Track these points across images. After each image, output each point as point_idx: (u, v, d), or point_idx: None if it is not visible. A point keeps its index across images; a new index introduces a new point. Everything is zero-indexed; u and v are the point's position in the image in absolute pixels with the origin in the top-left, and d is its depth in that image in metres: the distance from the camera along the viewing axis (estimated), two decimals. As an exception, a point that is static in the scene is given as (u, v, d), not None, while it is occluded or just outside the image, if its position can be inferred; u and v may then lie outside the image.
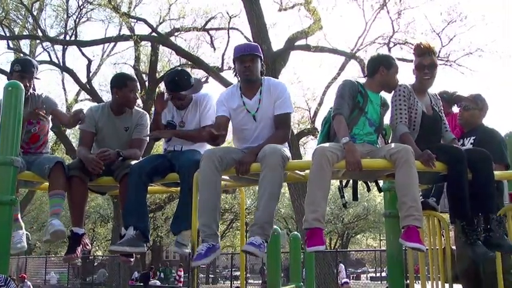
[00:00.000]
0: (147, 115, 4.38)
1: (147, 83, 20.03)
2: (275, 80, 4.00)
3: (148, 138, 4.32)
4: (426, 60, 3.77)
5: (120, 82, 4.25)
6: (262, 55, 3.91)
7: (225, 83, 13.64)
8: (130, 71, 21.36)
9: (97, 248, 36.57)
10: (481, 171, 3.47)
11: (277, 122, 3.80)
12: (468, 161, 3.44)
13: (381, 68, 3.75)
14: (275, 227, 5.37)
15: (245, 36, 15.73)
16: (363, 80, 3.85)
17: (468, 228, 3.43)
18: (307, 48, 15.19)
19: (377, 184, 3.84)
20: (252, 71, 3.79)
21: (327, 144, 3.38)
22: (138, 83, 4.43)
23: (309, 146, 20.27)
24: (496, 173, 3.59)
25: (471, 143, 4.32)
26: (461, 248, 3.57)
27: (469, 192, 3.42)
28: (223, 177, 3.64)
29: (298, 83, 16.53)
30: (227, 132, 3.93)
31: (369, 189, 4.03)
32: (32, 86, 4.25)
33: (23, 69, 4.15)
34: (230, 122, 3.92)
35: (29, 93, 4.13)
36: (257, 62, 3.83)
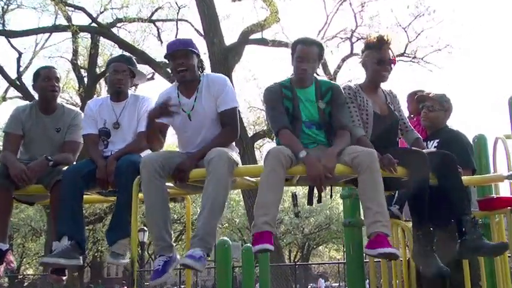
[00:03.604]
0: (82, 115, 4.31)
1: (86, 79, 19.68)
2: (214, 75, 3.98)
3: (82, 140, 4.25)
4: (387, 54, 3.78)
5: (34, 75, 4.24)
6: (198, 50, 3.88)
7: (173, 81, 13.54)
8: (68, 66, 20.96)
9: (27, 265, 35.55)
10: (447, 175, 3.51)
11: (223, 120, 3.78)
12: (432, 164, 3.46)
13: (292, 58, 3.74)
14: (225, 238, 5.35)
15: (195, 29, 15.71)
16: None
17: (424, 238, 3.45)
18: (263, 42, 15.28)
19: (331, 190, 3.82)
20: (186, 68, 3.75)
21: (282, 147, 3.37)
22: (57, 71, 4.34)
23: (266, 149, 20.39)
24: (462, 178, 3.64)
25: (435, 146, 4.38)
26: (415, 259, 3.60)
27: (435, 198, 3.45)
28: (167, 184, 3.60)
29: (254, 81, 16.58)
30: (165, 139, 3.89)
31: (331, 196, 4.07)
32: None
33: None
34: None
35: None
36: (192, 58, 3.79)
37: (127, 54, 4.41)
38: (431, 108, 4.53)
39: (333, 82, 3.87)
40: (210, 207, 3.31)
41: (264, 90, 3.77)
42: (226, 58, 13.22)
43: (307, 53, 3.62)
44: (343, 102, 3.70)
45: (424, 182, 3.43)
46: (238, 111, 3.92)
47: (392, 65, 3.82)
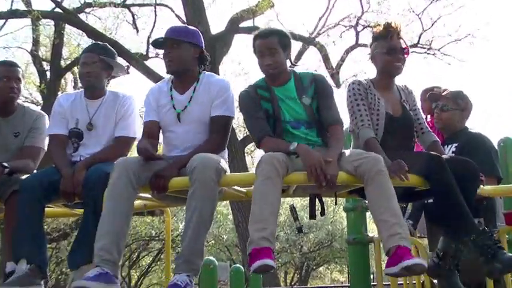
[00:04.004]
0: (45, 117, 4.29)
1: (48, 73, 19.59)
2: (217, 77, 4.02)
3: (45, 146, 4.22)
4: (398, 43, 3.81)
5: None
6: (196, 41, 3.92)
7: (151, 75, 13.52)
8: (27, 58, 20.84)
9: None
10: (464, 187, 3.42)
11: (213, 126, 3.80)
12: None
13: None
14: (211, 258, 5.33)
15: (176, 15, 15.70)
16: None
17: (482, 239, 3.27)
18: (255, 31, 15.27)
19: (335, 197, 3.76)
20: (172, 60, 3.81)
21: (275, 153, 3.35)
22: (19, 69, 4.33)
23: (258, 155, 20.37)
24: (486, 188, 3.65)
25: (453, 152, 4.39)
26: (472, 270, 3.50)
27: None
28: (143, 195, 3.59)
29: (244, 75, 16.53)
30: (158, 138, 3.95)
31: (336, 202, 4.04)
32: None
33: None
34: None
35: None
36: (182, 49, 3.83)
37: (100, 43, 4.39)
38: (444, 107, 4.54)
39: (314, 72, 3.93)
40: (195, 222, 3.28)
41: (238, 96, 3.81)
42: (212, 49, 13.20)
43: (265, 46, 3.70)
44: (330, 93, 3.77)
45: (451, 185, 3.35)
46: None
47: (405, 56, 3.84)
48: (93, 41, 16.41)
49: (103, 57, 4.17)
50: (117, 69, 4.31)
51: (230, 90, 3.91)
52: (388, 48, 3.80)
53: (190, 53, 3.87)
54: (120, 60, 4.33)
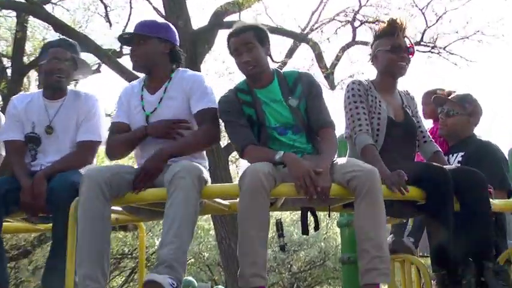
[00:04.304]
0: (2, 118, 4.28)
1: (9, 71, 19.52)
2: (191, 73, 4.03)
3: (3, 151, 4.21)
4: (403, 41, 3.85)
5: None
6: (166, 36, 3.95)
7: (125, 73, 13.49)
8: (-15, 53, 20.75)
9: None
10: (472, 200, 3.49)
11: (200, 120, 3.81)
12: (455, 185, 3.45)
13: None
14: (190, 278, 5.32)
15: (154, 7, 15.63)
16: None
17: (450, 279, 3.42)
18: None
19: (329, 210, 3.77)
20: (138, 57, 3.86)
21: (260, 164, 3.34)
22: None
23: (244, 164, 20.30)
24: (495, 202, 3.66)
25: (459, 162, 4.41)
26: None
27: (454, 228, 3.42)
28: (114, 208, 3.60)
29: (229, 75, 16.48)
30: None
31: (329, 215, 4.06)
32: None
33: None
34: None
35: None
36: (147, 45, 3.86)
37: (70, 40, 4.38)
38: (450, 112, 4.55)
39: (300, 71, 3.96)
40: (177, 226, 3.23)
41: (218, 103, 3.82)
42: (193, 46, 13.19)
43: (241, 42, 3.74)
44: (319, 93, 3.79)
45: (445, 205, 3.42)
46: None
47: (410, 56, 3.87)
48: (60, 36, 16.45)
49: (74, 55, 4.18)
50: (82, 70, 4.33)
51: (207, 83, 3.92)
52: (392, 45, 3.83)
53: (158, 49, 3.89)
54: (86, 57, 4.34)
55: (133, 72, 3.95)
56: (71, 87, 4.30)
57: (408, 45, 3.86)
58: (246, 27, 3.79)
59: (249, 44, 3.70)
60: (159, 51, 3.89)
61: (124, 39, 3.97)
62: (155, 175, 3.52)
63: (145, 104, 3.85)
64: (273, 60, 3.88)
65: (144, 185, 3.49)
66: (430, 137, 4.05)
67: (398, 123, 3.83)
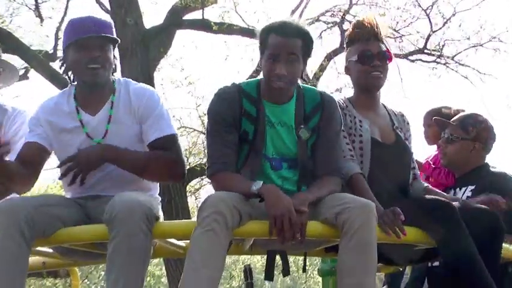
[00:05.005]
0: None
1: None
2: (138, 85, 4.01)
3: None
4: (374, 47, 3.86)
5: None
6: (117, 38, 3.93)
7: (57, 80, 13.43)
8: None
9: None
10: (482, 248, 3.47)
11: (159, 147, 3.80)
12: None
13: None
14: None
15: (97, 1, 15.67)
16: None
17: None
18: (204, 25, 15.28)
19: (304, 260, 3.88)
20: (101, 66, 3.76)
21: (225, 194, 3.34)
22: None
23: (204, 195, 20.00)
24: (509, 248, 3.79)
25: (468, 197, 4.40)
26: None
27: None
28: (42, 249, 3.65)
29: (188, 86, 16.37)
30: (39, 173, 3.91)
31: (304, 270, 4.11)
32: None
33: None
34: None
35: None
36: (109, 52, 3.83)
37: None
38: (450, 138, 4.56)
39: (323, 92, 3.83)
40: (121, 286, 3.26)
41: (213, 96, 3.71)
42: (145, 48, 13.16)
43: (286, 49, 3.54)
44: (337, 130, 3.73)
45: (466, 252, 3.41)
46: None
47: (386, 61, 3.91)
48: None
49: None
50: (6, 76, 4.32)
51: (160, 102, 3.90)
52: (360, 52, 3.86)
53: (112, 56, 3.86)
54: (12, 59, 4.38)
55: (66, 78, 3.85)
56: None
57: (384, 50, 3.88)
58: (298, 31, 3.59)
59: (293, 55, 3.54)
60: (112, 58, 3.86)
61: (88, 39, 3.75)
62: (95, 166, 3.59)
63: (90, 130, 3.80)
64: (303, 79, 3.74)
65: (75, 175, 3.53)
66: (418, 174, 4.10)
67: (387, 146, 3.86)
